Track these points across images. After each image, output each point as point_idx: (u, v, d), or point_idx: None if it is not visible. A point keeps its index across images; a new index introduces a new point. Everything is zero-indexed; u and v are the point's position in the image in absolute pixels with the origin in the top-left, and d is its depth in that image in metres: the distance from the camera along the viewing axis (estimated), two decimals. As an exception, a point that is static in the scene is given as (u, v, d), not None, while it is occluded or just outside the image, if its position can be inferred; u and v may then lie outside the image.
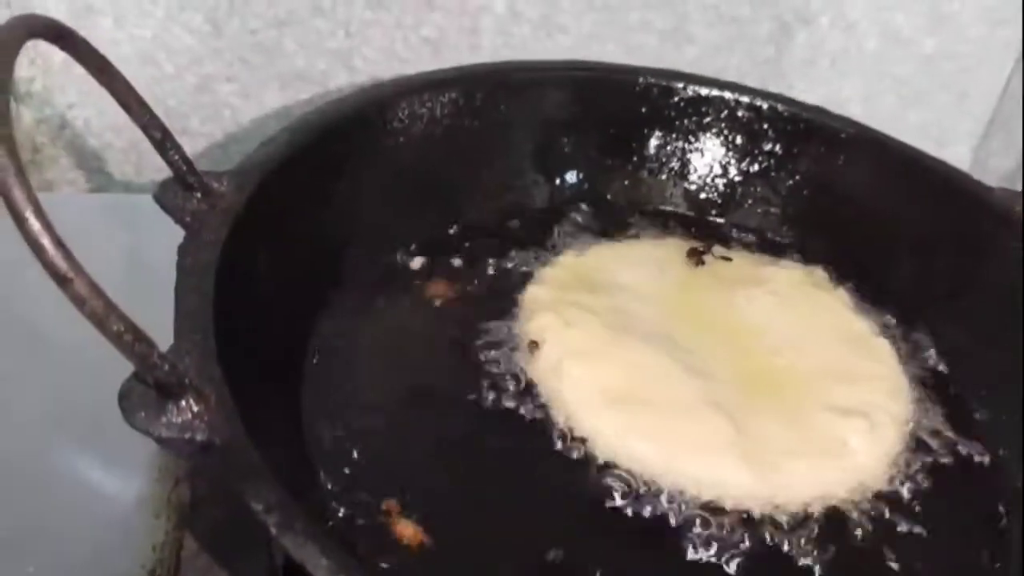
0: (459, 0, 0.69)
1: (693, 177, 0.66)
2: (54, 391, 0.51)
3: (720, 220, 0.66)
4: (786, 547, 0.44)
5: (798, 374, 0.52)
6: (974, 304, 0.57)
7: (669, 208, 0.66)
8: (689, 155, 0.66)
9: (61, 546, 0.44)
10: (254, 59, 0.69)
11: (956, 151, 0.81)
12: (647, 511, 0.44)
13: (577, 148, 0.65)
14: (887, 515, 0.46)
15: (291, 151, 0.50)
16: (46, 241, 0.29)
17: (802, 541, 0.44)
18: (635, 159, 0.66)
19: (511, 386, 0.49)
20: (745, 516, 0.45)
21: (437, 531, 0.42)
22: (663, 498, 0.45)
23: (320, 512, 0.41)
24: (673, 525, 0.44)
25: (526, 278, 0.56)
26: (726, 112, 0.65)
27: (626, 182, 0.66)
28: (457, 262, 0.58)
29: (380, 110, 0.57)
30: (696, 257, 0.60)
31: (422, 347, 0.52)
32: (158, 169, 0.45)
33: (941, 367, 0.56)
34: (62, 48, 0.39)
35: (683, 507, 0.45)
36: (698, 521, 0.44)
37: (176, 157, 0.44)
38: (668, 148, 0.66)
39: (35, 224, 0.28)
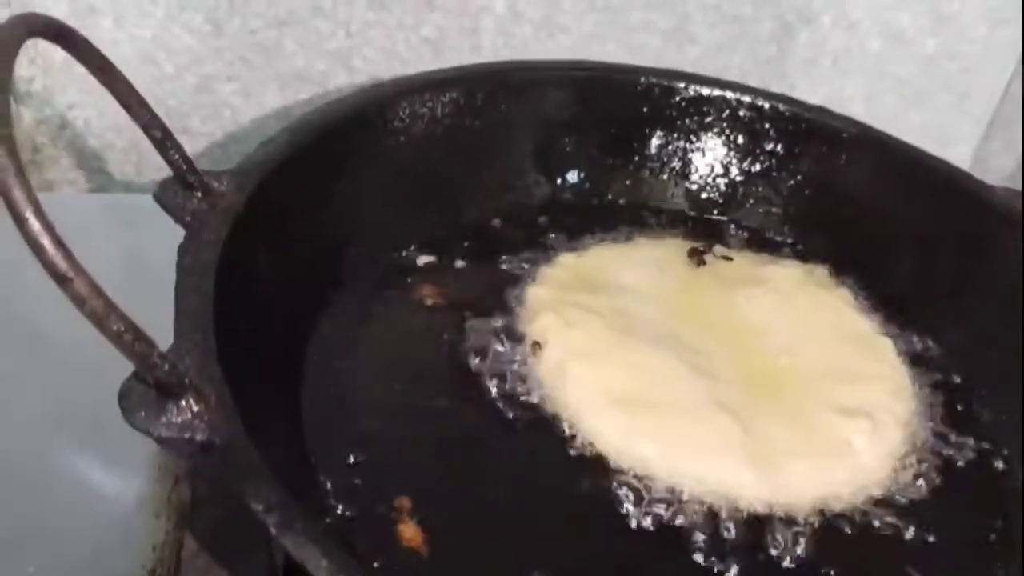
0: (460, 0, 0.69)
1: (694, 177, 0.66)
2: (54, 391, 0.51)
3: (721, 220, 0.66)
4: (789, 547, 0.44)
5: (800, 374, 0.52)
6: (975, 303, 0.57)
7: (670, 208, 0.66)
8: (690, 155, 0.66)
9: (61, 546, 0.44)
10: (254, 59, 0.69)
11: (957, 151, 0.81)
12: (652, 512, 0.44)
13: (578, 148, 0.65)
14: (890, 515, 0.46)
15: (291, 151, 0.50)
16: (46, 241, 0.28)
17: (804, 541, 0.44)
18: (636, 159, 0.66)
19: (513, 387, 0.49)
20: (750, 517, 0.45)
21: (438, 531, 0.42)
22: (668, 499, 0.45)
23: (320, 512, 0.41)
24: (677, 526, 0.44)
25: (527, 278, 0.56)
26: (728, 112, 0.65)
27: (627, 182, 0.66)
28: (458, 262, 0.58)
29: (380, 110, 0.57)
30: (697, 257, 0.60)
31: (423, 347, 0.52)
32: (158, 169, 0.45)
33: (942, 367, 0.56)
34: (62, 47, 0.39)
35: (688, 508, 0.44)
36: (703, 522, 0.44)
37: (176, 157, 0.44)
38: (669, 148, 0.66)
39: (35, 224, 0.28)
